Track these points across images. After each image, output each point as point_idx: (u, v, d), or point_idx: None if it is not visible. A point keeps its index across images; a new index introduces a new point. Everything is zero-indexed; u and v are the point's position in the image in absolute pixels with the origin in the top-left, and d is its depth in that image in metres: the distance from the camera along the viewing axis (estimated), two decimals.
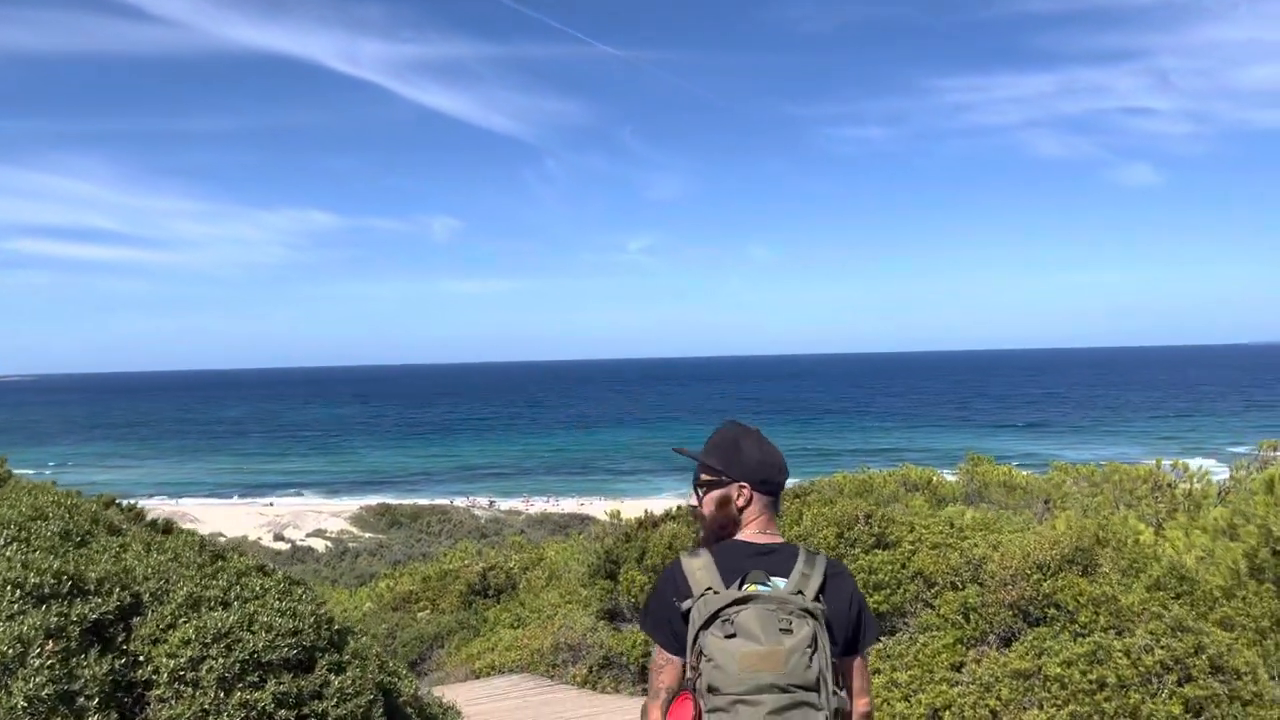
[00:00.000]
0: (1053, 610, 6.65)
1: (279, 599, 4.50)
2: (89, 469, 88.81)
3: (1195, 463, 13.27)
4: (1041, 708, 5.91)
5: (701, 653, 2.37)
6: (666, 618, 2.54)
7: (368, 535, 62.82)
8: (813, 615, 2.40)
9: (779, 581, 2.49)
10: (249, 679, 4.14)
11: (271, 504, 72.23)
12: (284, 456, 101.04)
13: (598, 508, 51.87)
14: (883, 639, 7.61)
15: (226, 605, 4.30)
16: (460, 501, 68.43)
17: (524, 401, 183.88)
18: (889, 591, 7.70)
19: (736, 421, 2.84)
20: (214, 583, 4.35)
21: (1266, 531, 7.23)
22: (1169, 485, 10.69)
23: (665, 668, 2.56)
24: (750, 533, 2.66)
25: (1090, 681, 5.82)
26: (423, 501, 68.19)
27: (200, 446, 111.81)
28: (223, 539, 62.11)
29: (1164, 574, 7.15)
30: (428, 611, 17.81)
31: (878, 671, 6.83)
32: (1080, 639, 6.32)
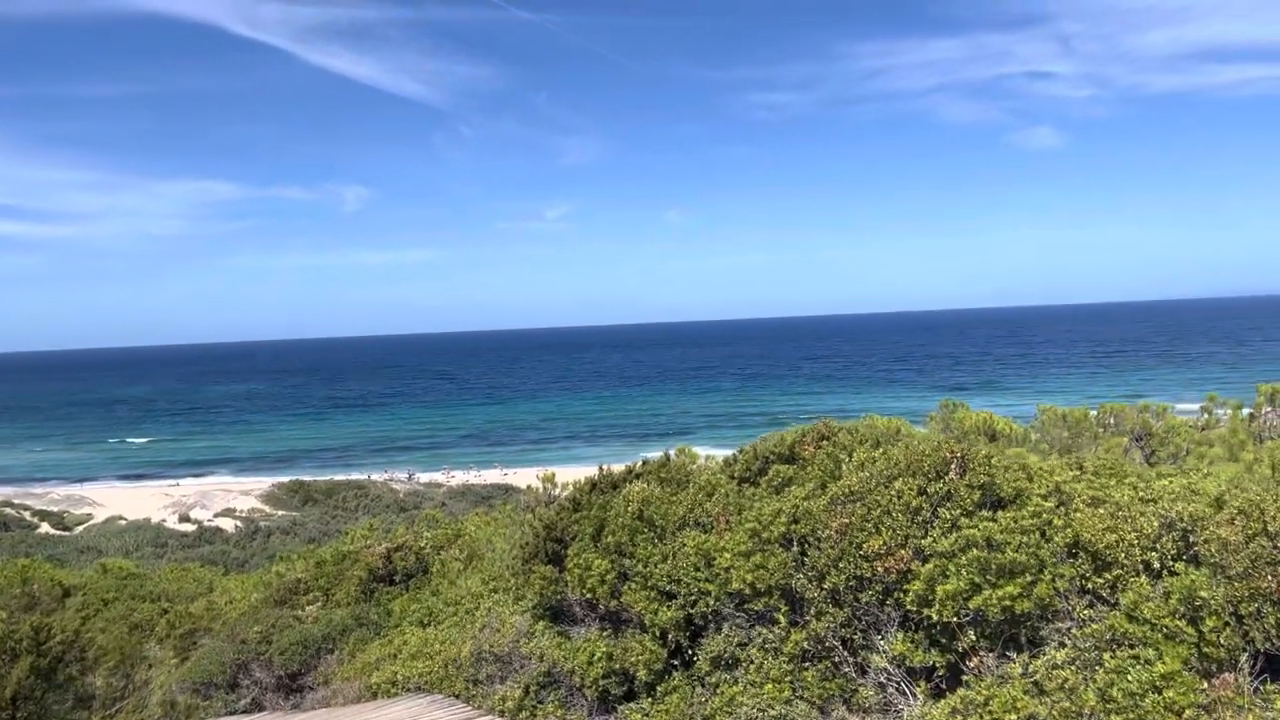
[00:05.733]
0: None
1: None
2: None
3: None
4: None
5: None
6: None
7: (280, 513, 59.20)
8: None
9: None
10: None
11: (177, 484, 68.76)
12: (191, 435, 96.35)
13: (523, 477, 48.74)
14: (1028, 659, 4.56)
15: None
16: (378, 476, 65.14)
17: (442, 374, 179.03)
18: (1027, 578, 4.64)
19: None
20: None
21: None
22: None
23: None
24: None
25: None
26: (339, 477, 64.87)
27: (100, 428, 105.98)
28: (123, 522, 57.78)
29: None
30: (318, 605, 14.37)
31: None
32: None
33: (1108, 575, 4.59)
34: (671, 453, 9.66)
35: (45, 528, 55.98)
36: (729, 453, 9.27)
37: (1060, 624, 4.66)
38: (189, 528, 55.06)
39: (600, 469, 8.65)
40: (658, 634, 6.66)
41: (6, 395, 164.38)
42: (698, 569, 6.35)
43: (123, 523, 56.61)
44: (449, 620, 11.55)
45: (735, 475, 7.44)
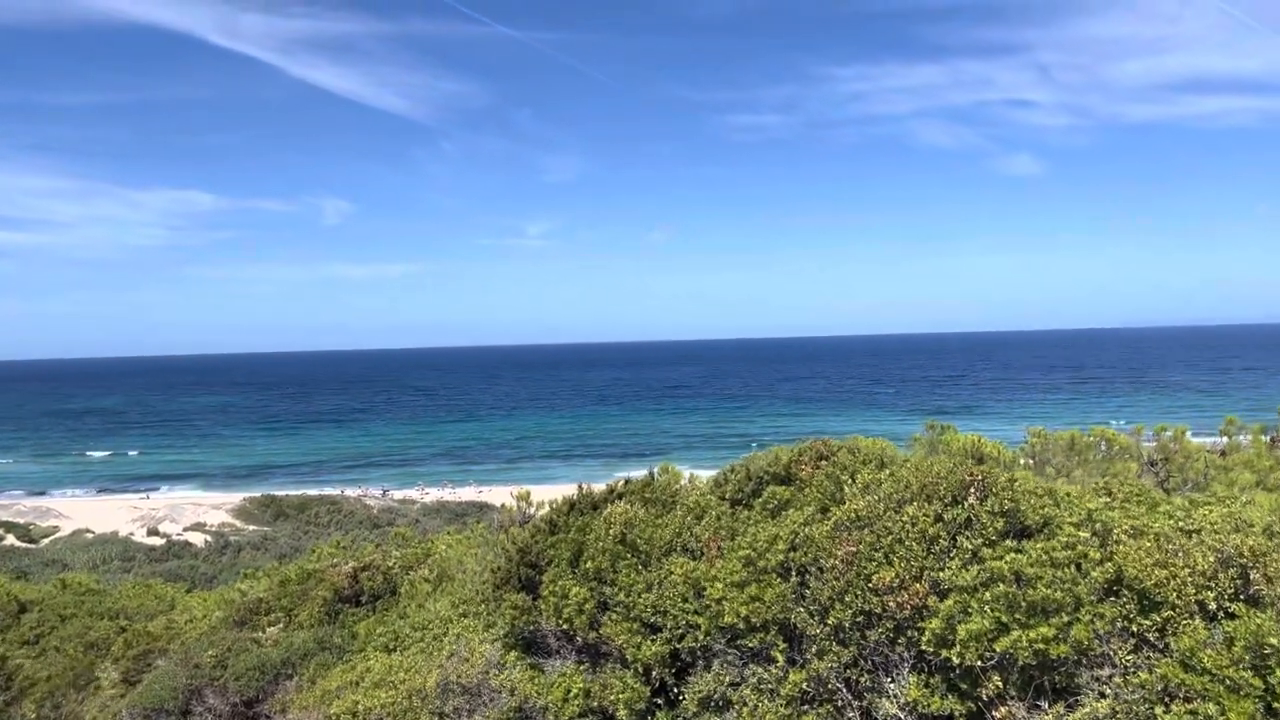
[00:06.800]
0: None
1: None
2: None
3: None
4: None
5: None
6: None
7: (251, 528, 58.37)
8: None
9: None
10: None
11: (147, 497, 68.16)
12: (164, 448, 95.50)
13: (499, 495, 48.16)
14: (1062, 710, 4.03)
15: None
16: (351, 491, 64.46)
17: (419, 390, 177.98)
18: (1063, 618, 4.11)
19: None
20: None
21: None
22: None
23: None
24: None
25: None
26: (311, 492, 64.20)
27: (70, 439, 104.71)
28: (89, 535, 56.61)
29: None
30: (280, 626, 13.68)
31: None
32: None
33: (1156, 616, 4.05)
34: (655, 471, 9.10)
35: (10, 540, 54.91)
36: (708, 474, 8.72)
37: (1100, 671, 4.12)
38: (157, 541, 54.16)
39: (580, 488, 8.07)
40: (640, 670, 6.08)
41: None
42: (686, 599, 5.78)
43: (90, 536, 55.57)
44: (415, 646, 10.91)
45: (726, 496, 6.87)
